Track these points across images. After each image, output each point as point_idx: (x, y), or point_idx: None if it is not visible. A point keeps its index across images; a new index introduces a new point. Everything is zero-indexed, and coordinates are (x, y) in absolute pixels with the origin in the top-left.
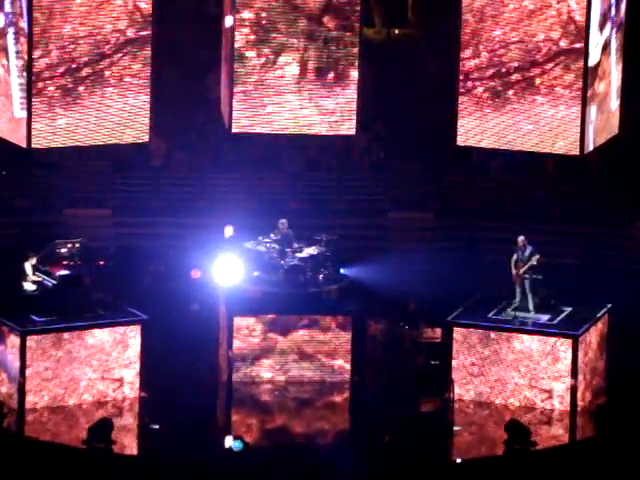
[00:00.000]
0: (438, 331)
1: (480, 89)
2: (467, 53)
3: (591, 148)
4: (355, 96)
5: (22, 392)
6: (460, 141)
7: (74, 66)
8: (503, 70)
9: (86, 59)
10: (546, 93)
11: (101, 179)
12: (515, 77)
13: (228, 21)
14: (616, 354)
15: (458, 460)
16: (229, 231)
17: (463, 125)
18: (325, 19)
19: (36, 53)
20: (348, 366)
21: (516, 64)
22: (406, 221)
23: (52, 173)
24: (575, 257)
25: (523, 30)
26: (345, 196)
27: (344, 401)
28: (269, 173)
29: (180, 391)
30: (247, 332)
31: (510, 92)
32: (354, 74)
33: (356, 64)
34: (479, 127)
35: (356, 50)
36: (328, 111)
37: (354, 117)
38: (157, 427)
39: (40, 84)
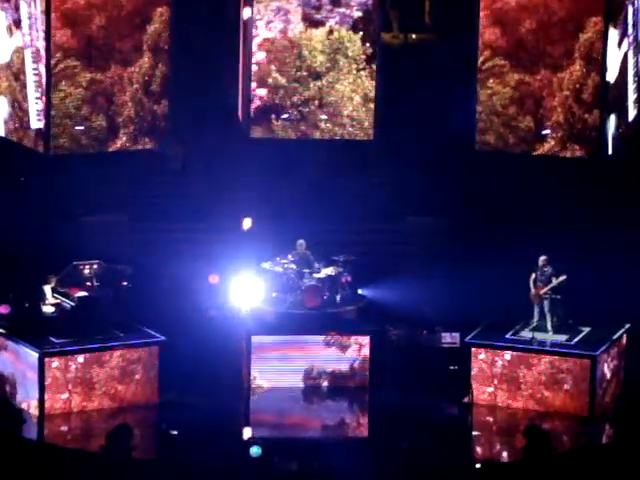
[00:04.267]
0: (457, 336)
1: None
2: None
3: (609, 153)
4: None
5: (41, 400)
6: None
7: None
8: None
9: None
10: None
11: (118, 185)
12: None
13: (246, 13)
14: (634, 360)
15: (477, 465)
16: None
17: None
18: None
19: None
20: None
21: None
22: (423, 226)
23: (69, 179)
24: (593, 263)
25: None
26: (362, 200)
27: (363, 405)
28: (286, 178)
29: (198, 396)
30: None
31: None
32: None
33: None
34: None
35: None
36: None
37: (371, 121)
38: (175, 433)
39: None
